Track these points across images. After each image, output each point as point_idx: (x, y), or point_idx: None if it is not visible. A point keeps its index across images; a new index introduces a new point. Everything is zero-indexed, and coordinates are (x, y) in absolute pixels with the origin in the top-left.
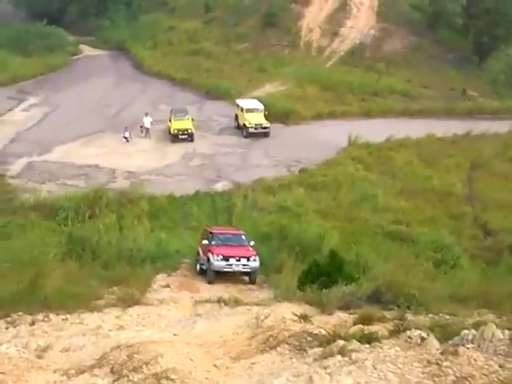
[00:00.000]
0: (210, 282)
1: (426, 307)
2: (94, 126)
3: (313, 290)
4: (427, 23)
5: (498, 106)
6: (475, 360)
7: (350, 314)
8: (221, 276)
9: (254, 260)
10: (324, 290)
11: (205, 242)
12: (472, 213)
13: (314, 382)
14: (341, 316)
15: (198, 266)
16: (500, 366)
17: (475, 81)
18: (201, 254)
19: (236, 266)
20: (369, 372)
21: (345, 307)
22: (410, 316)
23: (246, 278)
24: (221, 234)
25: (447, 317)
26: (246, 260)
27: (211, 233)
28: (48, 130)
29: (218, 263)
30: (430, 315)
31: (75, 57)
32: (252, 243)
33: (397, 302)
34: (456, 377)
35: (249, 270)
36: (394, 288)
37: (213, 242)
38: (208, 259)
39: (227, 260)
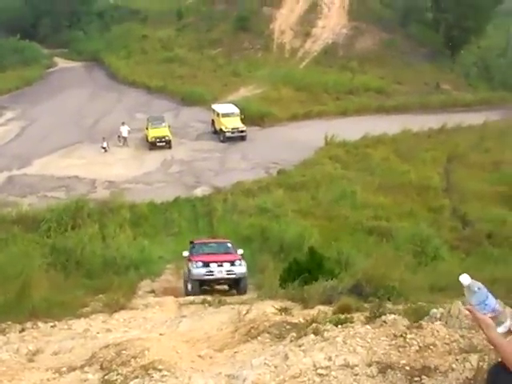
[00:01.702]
0: (188, 295)
1: (405, 298)
2: (71, 137)
3: (294, 286)
4: (398, 20)
5: (471, 98)
6: (438, 331)
7: (331, 307)
8: (206, 291)
9: (240, 264)
10: (305, 287)
11: (185, 253)
12: (450, 205)
13: (289, 359)
14: (321, 309)
15: (184, 286)
16: (461, 336)
17: (448, 74)
18: (185, 269)
19: (218, 272)
20: (339, 347)
21: (326, 302)
22: (388, 306)
23: (234, 291)
24: (203, 243)
25: (424, 304)
26: (229, 265)
27: (192, 242)
28: (26, 143)
29: (197, 271)
30: (409, 304)
31: (50, 69)
32: (240, 252)
33: (377, 294)
34: (419, 347)
35: (234, 275)
36: (374, 281)
37: (194, 252)
38: (188, 270)
39: (207, 266)
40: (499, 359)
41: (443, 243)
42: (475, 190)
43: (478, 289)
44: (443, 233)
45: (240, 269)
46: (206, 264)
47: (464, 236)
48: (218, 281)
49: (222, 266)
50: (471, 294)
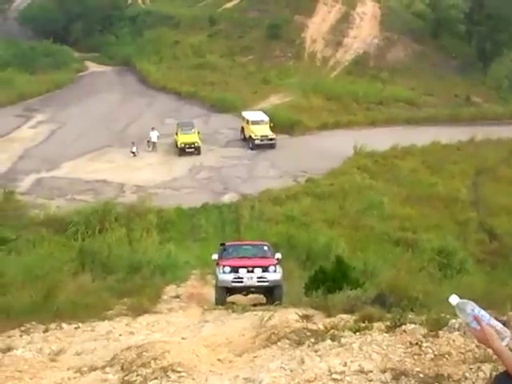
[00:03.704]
0: (217, 303)
1: (428, 309)
2: (101, 141)
3: (318, 295)
4: (430, 31)
5: (502, 111)
6: (453, 341)
7: (353, 315)
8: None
9: (274, 271)
10: (329, 295)
11: (214, 256)
12: (477, 218)
13: (305, 363)
14: (343, 317)
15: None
16: (476, 346)
17: (479, 87)
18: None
19: (248, 279)
20: (355, 353)
21: (349, 311)
22: (410, 316)
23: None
24: (235, 245)
25: (448, 316)
26: (261, 271)
27: (223, 244)
28: (56, 146)
29: (223, 277)
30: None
31: (81, 73)
32: (278, 256)
33: (400, 304)
34: (434, 355)
35: (266, 283)
36: (398, 291)
37: (223, 256)
38: (215, 275)
39: (236, 271)
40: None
41: (469, 256)
42: (503, 203)
43: (470, 307)
44: (469, 246)
45: (274, 275)
46: (235, 269)
47: (490, 249)
48: (248, 288)
49: (252, 271)
50: (463, 313)
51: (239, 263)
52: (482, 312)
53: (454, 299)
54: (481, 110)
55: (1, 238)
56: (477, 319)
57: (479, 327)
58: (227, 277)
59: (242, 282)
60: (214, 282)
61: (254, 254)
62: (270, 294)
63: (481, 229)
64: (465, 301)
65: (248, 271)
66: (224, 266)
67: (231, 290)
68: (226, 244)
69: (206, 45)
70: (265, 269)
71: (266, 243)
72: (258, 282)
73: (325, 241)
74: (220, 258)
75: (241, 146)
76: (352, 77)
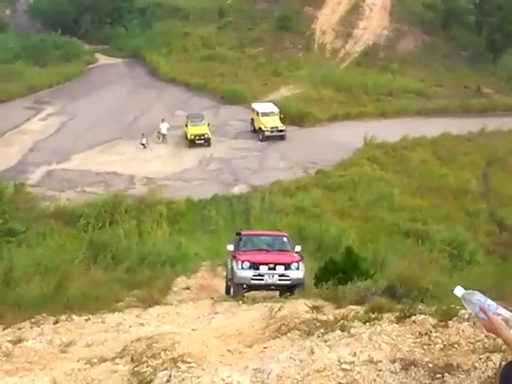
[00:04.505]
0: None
1: (438, 300)
2: (111, 133)
3: (328, 286)
4: (440, 22)
5: None
6: (463, 331)
7: (363, 306)
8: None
9: (297, 268)
10: (339, 286)
11: (230, 247)
12: (488, 209)
13: (314, 353)
14: (353, 308)
15: (226, 286)
16: (486, 336)
17: (489, 78)
18: (228, 265)
19: (269, 277)
20: (364, 343)
21: (359, 302)
22: (420, 307)
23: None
24: (252, 235)
25: (458, 306)
26: (283, 268)
27: (239, 234)
28: (66, 138)
29: (242, 273)
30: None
31: (91, 65)
32: (298, 248)
33: (410, 295)
34: (444, 345)
35: (288, 282)
36: (408, 283)
37: (240, 247)
38: (232, 269)
39: (256, 268)
40: None
41: (479, 247)
42: None
43: (476, 297)
44: (480, 237)
45: (297, 273)
46: (255, 265)
47: (501, 240)
48: (268, 287)
49: (274, 268)
50: (469, 304)
51: (259, 259)
52: (489, 301)
53: (458, 291)
54: (491, 100)
55: (11, 229)
56: (483, 310)
57: (487, 317)
58: (246, 273)
59: (262, 279)
60: (224, 273)
61: (273, 246)
62: (290, 291)
63: (491, 220)
64: (470, 291)
65: (269, 268)
66: (243, 262)
67: (250, 288)
68: (243, 233)
69: (216, 37)
70: (287, 266)
71: (285, 234)
72: (280, 280)
73: (335, 232)
74: (236, 249)
75: (251, 138)
76: (362, 68)
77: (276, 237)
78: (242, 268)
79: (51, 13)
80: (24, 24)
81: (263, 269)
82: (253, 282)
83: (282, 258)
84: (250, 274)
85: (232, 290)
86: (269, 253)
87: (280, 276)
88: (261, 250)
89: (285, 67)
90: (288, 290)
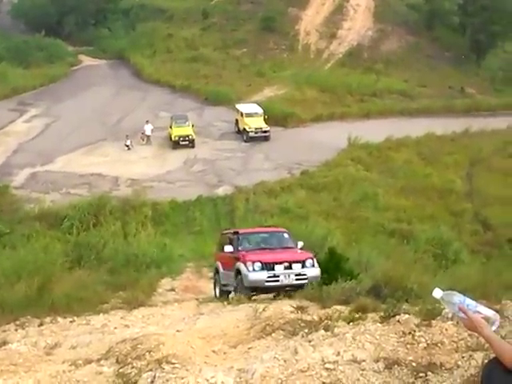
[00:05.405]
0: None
1: (423, 300)
2: (95, 135)
3: (313, 286)
4: (424, 22)
5: (496, 102)
6: (446, 330)
7: (348, 307)
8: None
9: (313, 265)
10: (324, 287)
11: (228, 248)
12: (472, 209)
13: (298, 353)
14: (338, 308)
15: (217, 289)
16: (469, 335)
17: (473, 78)
18: (221, 269)
19: (286, 277)
20: (348, 342)
21: (344, 302)
22: (404, 306)
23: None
24: (251, 233)
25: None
26: (300, 266)
27: (236, 233)
28: (50, 140)
29: (255, 275)
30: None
31: (75, 67)
32: (300, 244)
33: (395, 295)
34: (427, 344)
35: (305, 281)
36: (393, 282)
37: (242, 247)
38: (238, 272)
39: (271, 269)
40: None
41: (464, 247)
42: (497, 194)
43: (455, 297)
44: (464, 236)
45: (313, 271)
46: (269, 266)
47: (485, 240)
48: (284, 288)
49: (290, 267)
50: (449, 305)
51: (271, 258)
52: (468, 301)
53: (437, 293)
54: (475, 101)
55: None
56: (462, 309)
57: (466, 317)
58: (259, 275)
59: (278, 281)
60: (211, 274)
61: (275, 244)
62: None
63: (475, 219)
64: (448, 292)
65: (285, 268)
66: (254, 262)
67: (261, 290)
68: (240, 231)
69: (200, 38)
70: (303, 264)
71: (284, 230)
72: (297, 279)
73: (321, 233)
74: (236, 249)
75: (235, 139)
76: (346, 69)
77: (276, 233)
78: (254, 270)
79: (35, 14)
80: (7, 25)
81: (279, 269)
82: (267, 284)
83: (295, 256)
84: (263, 275)
85: (239, 294)
86: (274, 251)
87: (297, 275)
88: (264, 248)
89: (269, 68)
90: (299, 288)
